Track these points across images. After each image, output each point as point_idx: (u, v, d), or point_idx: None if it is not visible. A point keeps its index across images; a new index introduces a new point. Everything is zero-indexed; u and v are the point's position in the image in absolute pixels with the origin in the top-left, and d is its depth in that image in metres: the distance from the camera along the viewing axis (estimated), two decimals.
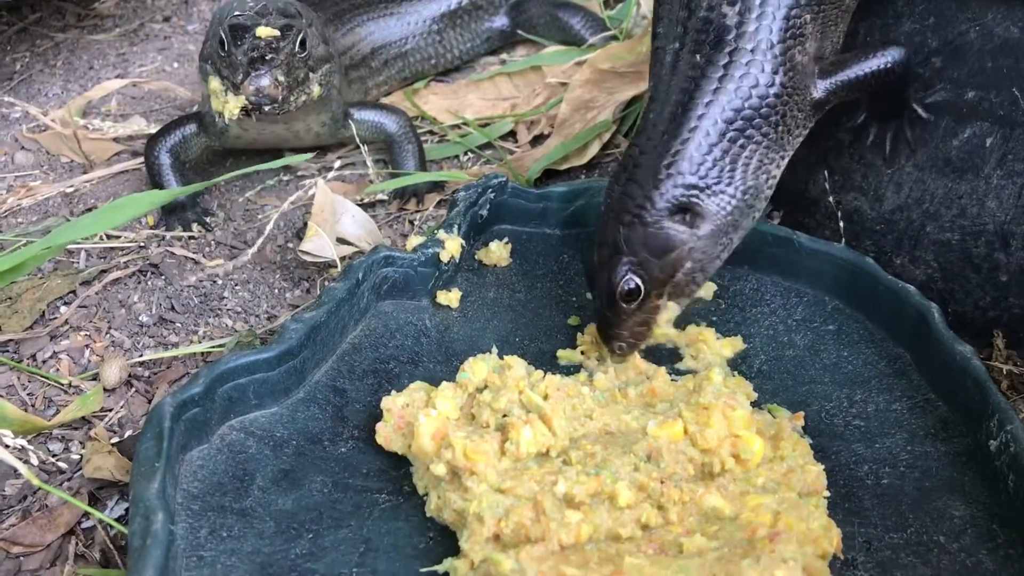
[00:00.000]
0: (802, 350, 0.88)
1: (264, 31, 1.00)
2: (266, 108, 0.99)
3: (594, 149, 1.22)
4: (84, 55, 1.49)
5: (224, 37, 1.01)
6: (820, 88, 0.83)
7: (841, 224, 0.96)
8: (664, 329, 0.83)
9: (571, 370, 0.85)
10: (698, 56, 0.80)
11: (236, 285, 1.05)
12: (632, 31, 1.43)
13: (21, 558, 0.76)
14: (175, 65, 1.49)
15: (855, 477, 0.76)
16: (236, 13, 1.05)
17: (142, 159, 1.24)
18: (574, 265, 0.97)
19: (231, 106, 0.99)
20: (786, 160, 0.82)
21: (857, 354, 0.87)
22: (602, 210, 0.81)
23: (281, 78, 0.99)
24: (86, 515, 0.79)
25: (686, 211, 0.78)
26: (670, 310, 0.81)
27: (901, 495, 0.74)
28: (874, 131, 0.92)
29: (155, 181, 1.15)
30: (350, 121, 1.20)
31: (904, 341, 0.86)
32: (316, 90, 1.07)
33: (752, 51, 0.79)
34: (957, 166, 0.88)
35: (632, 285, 0.78)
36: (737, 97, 0.79)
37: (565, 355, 0.87)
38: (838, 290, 0.91)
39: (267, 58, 0.99)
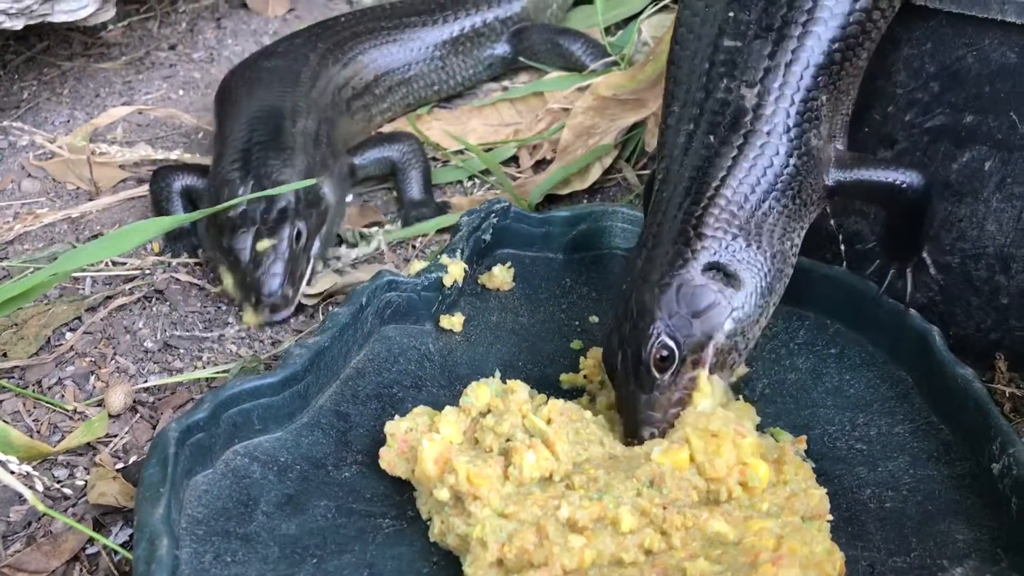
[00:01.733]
0: (804, 373, 0.88)
1: (262, 245, 1.00)
2: (282, 316, 1.01)
3: (596, 173, 1.22)
4: (91, 83, 1.51)
5: (226, 246, 1.01)
6: (832, 178, 0.81)
7: (842, 247, 0.97)
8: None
9: (574, 394, 0.85)
10: (712, 137, 0.78)
11: (240, 310, 1.05)
12: (633, 58, 1.44)
13: None
14: (180, 93, 1.50)
15: (858, 501, 0.76)
16: (230, 215, 1.02)
17: (148, 186, 1.25)
18: (577, 289, 0.98)
19: (251, 319, 1.01)
20: (804, 231, 0.81)
21: (859, 377, 0.87)
22: (624, 288, 0.77)
23: (289, 292, 1.01)
24: (91, 541, 0.80)
25: (718, 269, 0.74)
26: (716, 386, 0.75)
27: (904, 519, 0.74)
28: (878, 262, 0.91)
29: (159, 209, 1.16)
30: (356, 171, 1.21)
31: (906, 364, 0.87)
32: (320, 265, 1.07)
33: (768, 134, 0.77)
34: (956, 189, 0.89)
35: (665, 349, 0.72)
36: (752, 174, 0.77)
37: (568, 379, 0.87)
38: (840, 313, 0.92)
39: (272, 273, 0.99)
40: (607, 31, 1.53)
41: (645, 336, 0.72)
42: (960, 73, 0.85)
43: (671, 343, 0.72)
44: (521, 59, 1.48)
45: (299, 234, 1.03)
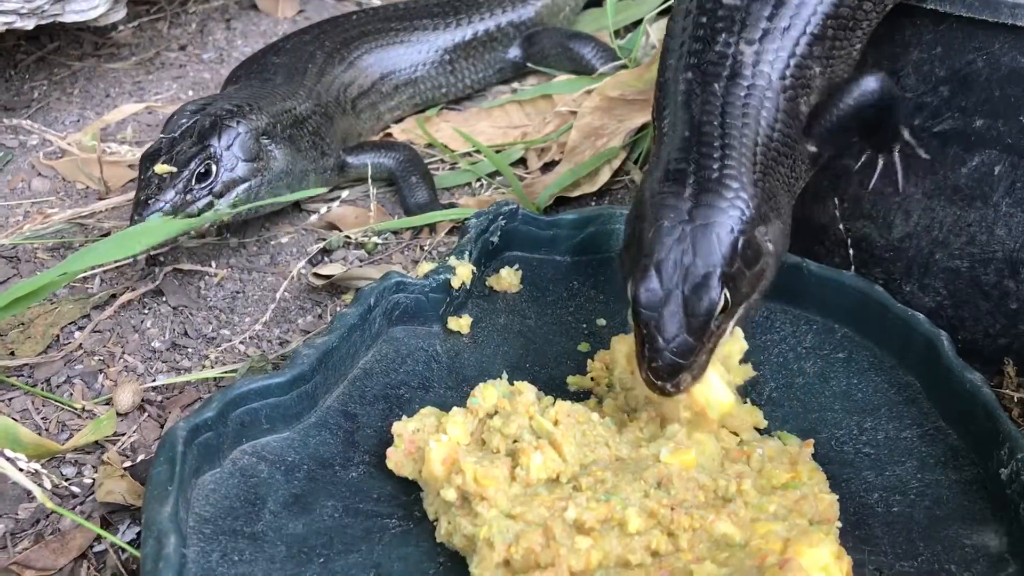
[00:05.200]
0: (812, 378, 0.88)
1: (161, 168, 1.01)
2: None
3: (605, 176, 1.22)
4: (101, 83, 1.51)
5: (139, 162, 1.04)
6: (810, 141, 0.82)
7: (851, 251, 0.97)
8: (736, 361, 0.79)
9: (581, 396, 0.85)
10: (716, 85, 0.79)
11: (248, 310, 1.06)
12: (641, 59, 1.44)
13: None
14: (190, 93, 1.50)
15: (865, 505, 0.76)
16: (161, 136, 1.06)
17: None
18: (584, 292, 0.98)
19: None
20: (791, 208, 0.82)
21: (867, 382, 0.87)
22: (660, 226, 0.73)
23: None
24: (98, 539, 0.80)
25: (764, 225, 0.75)
26: (737, 336, 0.77)
27: (912, 523, 0.74)
28: (864, 157, 0.92)
29: None
30: (348, 169, 1.21)
31: (914, 369, 0.86)
32: (225, 215, 1.06)
33: (766, 89, 0.79)
34: (966, 194, 0.88)
35: (724, 300, 0.71)
36: (761, 131, 0.78)
37: (575, 381, 0.87)
38: (848, 318, 0.91)
39: (157, 197, 1.00)
40: (616, 34, 1.53)
41: (708, 285, 0.71)
42: (970, 77, 0.85)
43: (729, 295, 0.71)
44: (530, 64, 1.48)
45: (205, 174, 1.03)
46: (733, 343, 0.78)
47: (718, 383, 0.77)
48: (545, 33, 1.48)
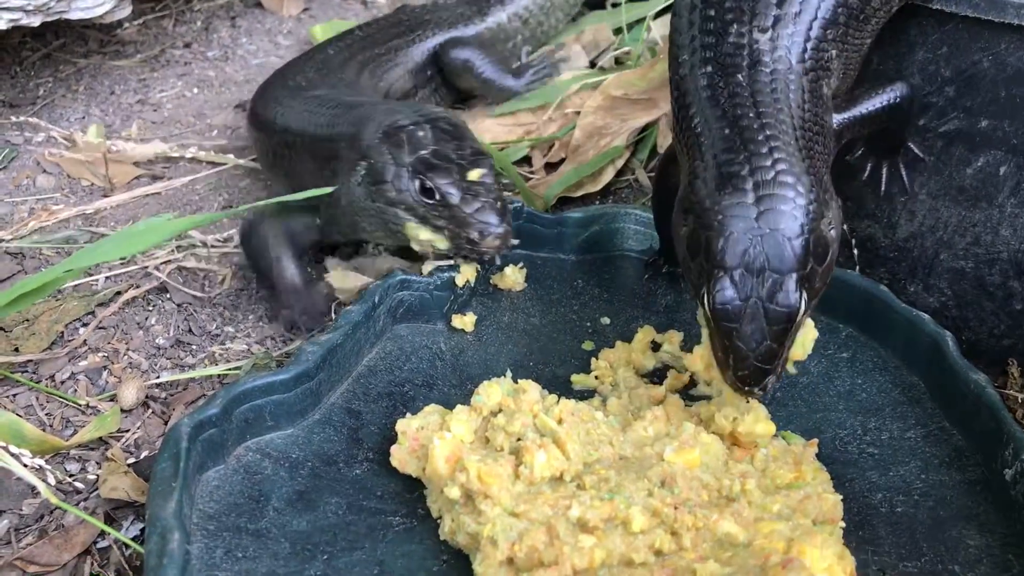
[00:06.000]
0: (816, 377, 0.88)
1: (475, 173, 0.91)
2: (505, 254, 0.92)
3: (608, 175, 1.22)
4: (106, 80, 1.51)
5: (426, 183, 0.91)
6: (836, 121, 0.83)
7: (855, 251, 0.97)
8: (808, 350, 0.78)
9: (585, 395, 0.85)
10: (739, 76, 0.78)
11: (252, 307, 1.06)
12: (642, 59, 1.44)
13: None
14: (195, 91, 1.51)
15: (869, 505, 0.76)
16: (423, 153, 0.93)
17: (162, 183, 1.25)
18: (588, 290, 0.98)
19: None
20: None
21: (871, 382, 0.87)
22: (734, 234, 0.71)
23: (511, 221, 0.91)
24: (102, 535, 0.80)
25: (825, 212, 0.73)
26: (808, 325, 0.77)
27: (915, 524, 0.74)
28: (870, 166, 0.92)
29: (265, 263, 1.04)
30: None
31: (918, 369, 0.86)
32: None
33: (788, 72, 0.79)
34: (971, 194, 0.88)
35: (805, 304, 0.70)
36: (794, 114, 0.77)
37: (579, 380, 0.87)
38: (852, 318, 0.91)
39: (497, 205, 0.90)
40: (616, 32, 1.53)
41: (787, 291, 0.70)
42: (975, 77, 0.85)
43: (807, 297, 0.71)
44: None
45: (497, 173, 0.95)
46: (806, 332, 0.77)
47: (765, 413, 0.77)
48: (448, 48, 1.44)
